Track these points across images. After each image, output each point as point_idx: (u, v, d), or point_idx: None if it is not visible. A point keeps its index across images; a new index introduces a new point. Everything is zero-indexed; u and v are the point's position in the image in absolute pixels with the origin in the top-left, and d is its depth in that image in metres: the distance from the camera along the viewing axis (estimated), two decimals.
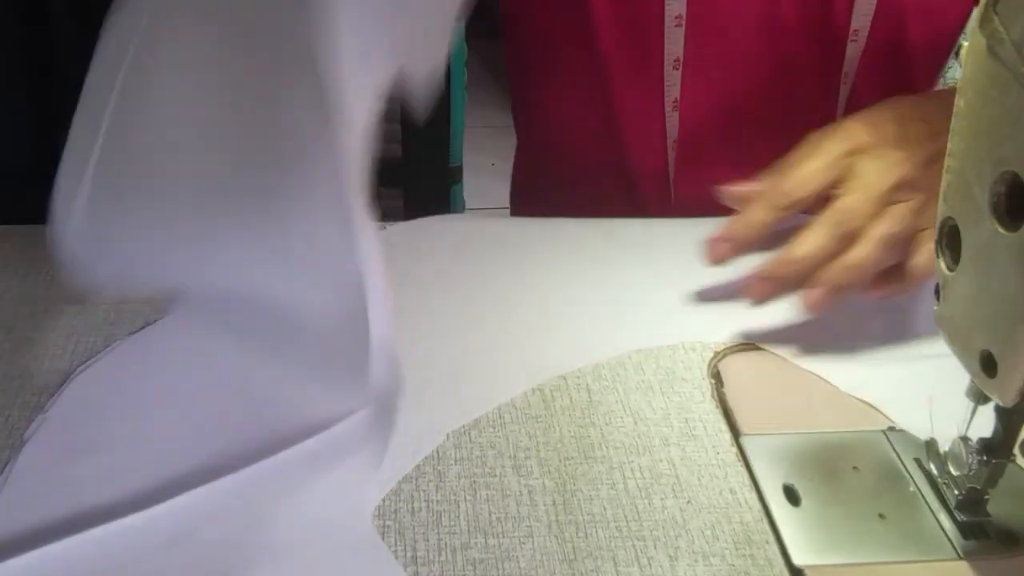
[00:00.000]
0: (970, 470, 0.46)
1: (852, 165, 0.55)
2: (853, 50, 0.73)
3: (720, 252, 0.57)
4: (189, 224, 0.50)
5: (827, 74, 0.74)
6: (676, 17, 0.71)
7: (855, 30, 0.72)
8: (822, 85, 0.75)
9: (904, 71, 0.75)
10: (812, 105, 0.76)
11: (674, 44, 0.72)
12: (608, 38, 0.73)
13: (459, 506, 0.47)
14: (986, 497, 0.47)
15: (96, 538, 0.44)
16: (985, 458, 0.45)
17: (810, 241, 0.54)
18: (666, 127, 0.76)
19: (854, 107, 0.74)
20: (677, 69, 0.73)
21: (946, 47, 0.76)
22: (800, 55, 0.74)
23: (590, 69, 0.76)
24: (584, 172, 0.81)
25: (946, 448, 0.48)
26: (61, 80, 1.12)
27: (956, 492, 0.47)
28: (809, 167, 0.55)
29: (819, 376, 0.55)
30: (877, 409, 0.53)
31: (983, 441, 0.46)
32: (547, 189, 0.87)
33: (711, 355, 0.57)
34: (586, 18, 0.73)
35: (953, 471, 0.47)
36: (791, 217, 0.56)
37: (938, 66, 0.78)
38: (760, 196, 0.56)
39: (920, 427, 0.51)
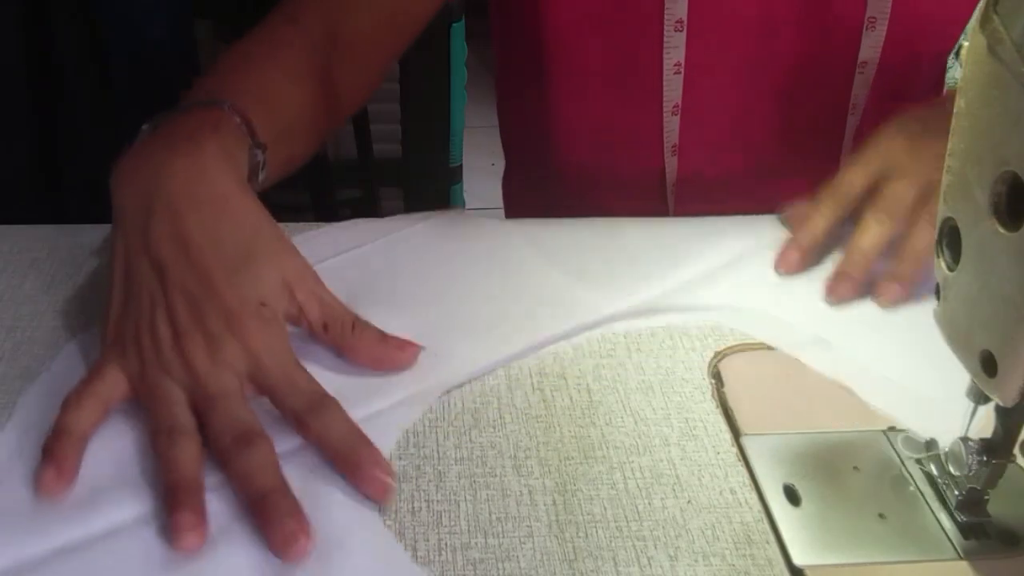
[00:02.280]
0: (970, 470, 0.46)
1: (885, 173, 0.61)
2: (861, 81, 0.73)
3: (791, 261, 0.63)
4: None
5: (834, 102, 0.75)
6: (677, 22, 0.71)
7: (863, 62, 0.72)
8: (829, 114, 0.75)
9: (912, 88, 0.75)
10: (819, 130, 0.76)
11: (674, 49, 0.72)
12: (606, 45, 0.73)
13: (459, 506, 0.47)
14: (986, 498, 0.47)
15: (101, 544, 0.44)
16: (985, 458, 0.45)
17: (871, 230, 0.60)
18: (664, 133, 0.76)
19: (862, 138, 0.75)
20: (679, 74, 0.73)
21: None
22: (803, 83, 0.74)
23: (586, 76, 0.75)
24: (576, 186, 0.81)
25: (946, 448, 0.48)
26: (61, 81, 1.13)
27: (956, 492, 0.47)
28: (850, 175, 0.62)
29: (819, 376, 0.55)
30: (876, 411, 0.53)
31: (983, 441, 0.46)
32: (539, 205, 0.87)
33: (711, 355, 0.57)
34: (582, 26, 0.73)
35: (953, 471, 0.47)
36: (844, 220, 0.63)
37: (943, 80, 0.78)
38: (816, 207, 0.63)
39: (920, 427, 0.51)
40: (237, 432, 0.46)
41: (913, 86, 0.75)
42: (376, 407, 0.51)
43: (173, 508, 0.44)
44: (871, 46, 0.71)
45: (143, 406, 0.49)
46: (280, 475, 0.46)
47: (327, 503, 0.46)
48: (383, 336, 0.53)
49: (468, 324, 0.58)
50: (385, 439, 0.49)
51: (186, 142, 0.52)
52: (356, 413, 0.49)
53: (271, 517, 0.44)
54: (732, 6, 0.71)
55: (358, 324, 0.53)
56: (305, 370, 0.50)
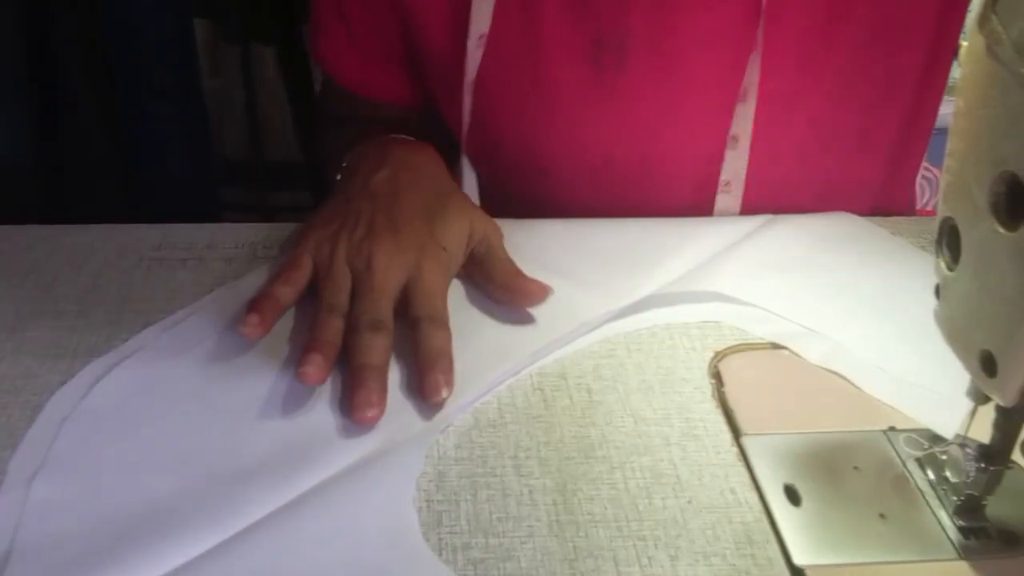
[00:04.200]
0: (968, 477, 0.46)
1: None
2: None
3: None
4: None
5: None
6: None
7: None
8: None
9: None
10: None
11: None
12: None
13: (460, 506, 0.47)
14: (984, 503, 0.47)
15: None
16: (983, 465, 0.45)
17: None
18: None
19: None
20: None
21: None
22: None
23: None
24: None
25: (945, 455, 0.48)
26: (61, 80, 1.12)
27: (954, 498, 0.47)
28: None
29: (819, 376, 0.56)
30: (884, 403, 0.53)
31: (982, 447, 0.45)
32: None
33: (711, 355, 0.57)
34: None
35: (951, 478, 0.47)
36: None
37: None
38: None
39: (918, 416, 0.52)
40: (373, 319, 0.54)
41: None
42: (395, 430, 0.50)
43: (354, 386, 0.51)
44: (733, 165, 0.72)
45: (318, 287, 0.57)
46: (385, 361, 0.53)
47: (363, 528, 0.45)
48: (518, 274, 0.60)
49: (471, 339, 0.57)
50: (413, 461, 0.49)
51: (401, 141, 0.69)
52: (381, 434, 0.50)
53: (360, 383, 0.51)
54: None
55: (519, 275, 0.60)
56: (446, 303, 0.58)
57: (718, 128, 0.71)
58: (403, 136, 0.69)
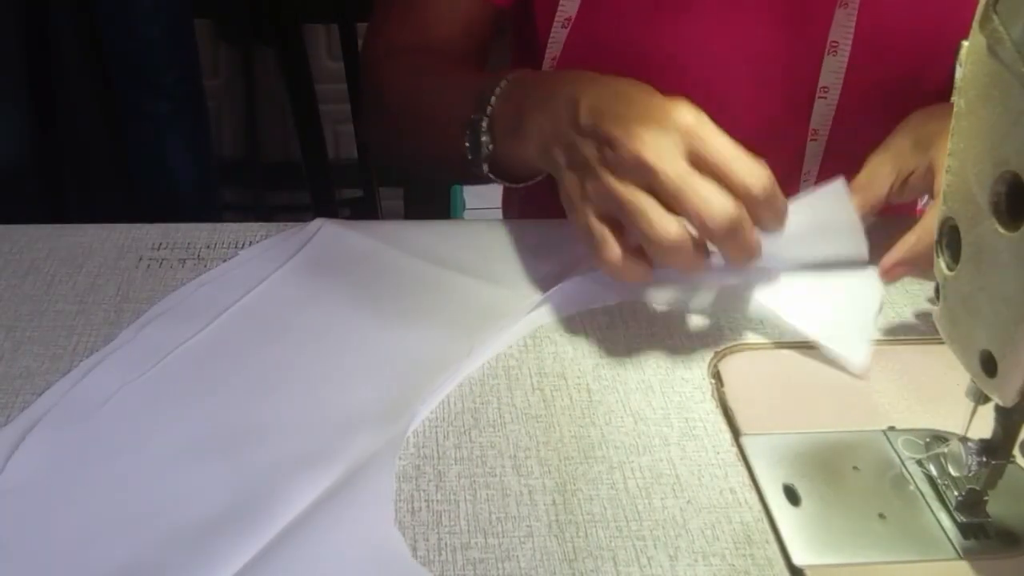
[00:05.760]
0: (969, 471, 0.46)
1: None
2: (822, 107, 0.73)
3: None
4: None
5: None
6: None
7: (824, 87, 0.72)
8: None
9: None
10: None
11: None
12: None
13: (459, 506, 0.47)
14: (985, 499, 0.47)
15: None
16: (985, 459, 0.45)
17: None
18: None
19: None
20: None
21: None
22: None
23: None
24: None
25: (946, 449, 0.48)
26: (61, 80, 1.13)
27: (956, 493, 0.47)
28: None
29: (820, 376, 0.56)
30: (883, 403, 0.53)
31: (983, 442, 0.46)
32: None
33: (711, 355, 0.57)
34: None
35: (953, 472, 0.47)
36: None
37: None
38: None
39: (920, 426, 0.51)
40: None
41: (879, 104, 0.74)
42: (355, 453, 0.49)
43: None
44: (832, 71, 0.71)
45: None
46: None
47: (337, 504, 0.46)
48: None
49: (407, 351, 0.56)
50: (385, 483, 0.48)
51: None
52: (343, 460, 0.48)
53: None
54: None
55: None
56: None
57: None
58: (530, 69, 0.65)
